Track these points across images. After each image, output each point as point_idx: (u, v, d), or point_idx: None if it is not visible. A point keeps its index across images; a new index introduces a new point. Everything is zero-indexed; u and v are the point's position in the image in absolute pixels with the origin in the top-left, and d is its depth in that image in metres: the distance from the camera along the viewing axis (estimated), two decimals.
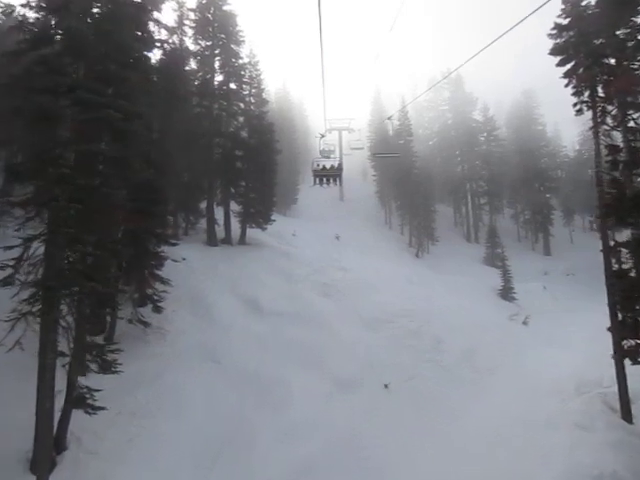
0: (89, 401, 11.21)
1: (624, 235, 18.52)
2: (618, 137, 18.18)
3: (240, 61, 33.17)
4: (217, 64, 32.68)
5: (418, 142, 52.58)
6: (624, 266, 17.10)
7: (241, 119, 33.47)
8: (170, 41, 29.15)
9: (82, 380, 11.69)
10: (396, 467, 14.49)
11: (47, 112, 10.61)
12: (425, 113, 64.12)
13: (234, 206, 32.28)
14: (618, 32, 17.94)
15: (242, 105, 33.33)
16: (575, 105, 19.27)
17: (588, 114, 20.08)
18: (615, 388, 17.15)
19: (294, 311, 22.38)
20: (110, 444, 12.30)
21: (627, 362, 16.36)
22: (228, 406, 15.40)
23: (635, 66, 17.22)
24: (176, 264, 24.35)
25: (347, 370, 18.56)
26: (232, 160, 31.85)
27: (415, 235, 48.16)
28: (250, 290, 23.59)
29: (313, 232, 40.30)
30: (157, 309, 18.34)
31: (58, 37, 11.67)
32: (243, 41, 33.21)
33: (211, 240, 30.04)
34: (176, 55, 29.84)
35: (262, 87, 34.78)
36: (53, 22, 11.72)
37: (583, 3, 19.46)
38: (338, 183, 16.13)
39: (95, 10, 12.35)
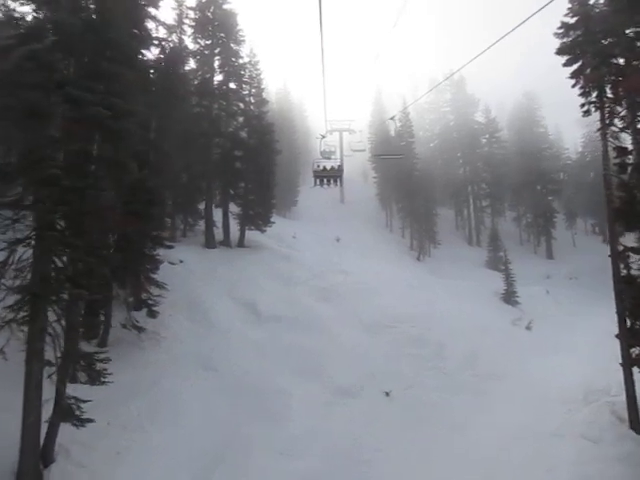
0: (77, 412, 10.68)
1: (628, 239, 18.09)
2: (627, 139, 17.78)
3: (240, 60, 32.74)
4: (217, 63, 32.25)
5: (419, 144, 52.10)
6: (633, 272, 16.64)
7: (241, 119, 33.03)
8: (169, 39, 28.68)
9: (71, 390, 11.16)
10: (398, 478, 13.99)
11: (35, 109, 10.12)
12: (426, 115, 63.69)
13: (233, 208, 31.82)
14: (628, 31, 17.51)
15: (242, 105, 32.89)
16: (583, 106, 18.80)
17: (595, 116, 19.73)
18: (623, 397, 16.66)
19: (293, 316, 21.88)
20: (100, 456, 11.78)
21: (635, 370, 15.91)
22: (224, 417, 14.87)
23: None
24: (173, 267, 23.90)
25: (347, 377, 18.05)
26: (231, 161, 31.39)
27: (416, 238, 47.67)
28: (248, 294, 23.10)
29: (313, 234, 39.82)
30: (152, 314, 17.85)
31: (49, 32, 11.17)
32: (243, 40, 32.79)
33: (209, 242, 29.55)
34: (175, 54, 29.38)
35: (262, 87, 34.34)
36: (43, 16, 11.26)
37: (591, 1, 19.01)
38: (338, 184, 15.98)
39: (87, 4, 11.90)
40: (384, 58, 70.60)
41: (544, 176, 54.67)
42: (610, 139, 17.88)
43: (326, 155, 16.00)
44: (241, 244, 31.01)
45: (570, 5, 19.16)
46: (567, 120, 62.18)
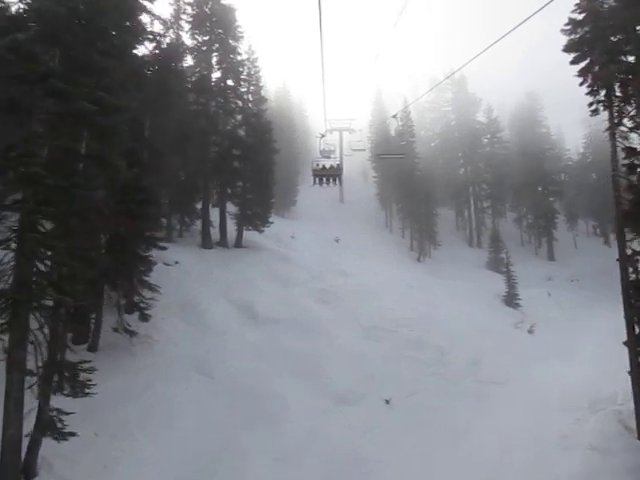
0: (59, 425, 10.05)
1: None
2: (636, 139, 17.23)
3: (238, 57, 32.18)
4: (214, 60, 31.68)
5: (420, 143, 51.55)
6: None
7: (239, 117, 32.44)
8: (165, 35, 28.06)
9: (54, 400, 10.53)
10: None
11: (16, 102, 9.51)
12: (427, 114, 63.15)
13: (231, 207, 31.22)
14: (638, 27, 16.97)
15: (240, 103, 32.29)
16: (591, 105, 18.23)
17: (599, 116, 19.20)
18: (631, 405, 16.13)
19: (291, 318, 21.29)
20: (85, 470, 11.17)
21: None
22: (219, 423, 14.28)
23: None
24: (168, 268, 23.29)
25: (346, 383, 17.46)
26: (229, 159, 30.81)
27: (416, 239, 47.12)
28: (246, 296, 22.51)
29: (312, 234, 39.24)
30: (144, 317, 17.23)
31: (32, 22, 10.57)
32: (242, 37, 32.22)
33: (206, 243, 28.95)
34: (172, 50, 28.77)
35: (261, 85, 33.71)
36: (27, 5, 10.66)
37: None
38: (338, 183, 15.77)
39: None
40: (384, 58, 70.13)
41: (545, 177, 54.18)
42: (619, 139, 17.32)
43: (325, 154, 15.71)
44: (238, 244, 30.41)
45: (578, 1, 18.58)
46: (568, 120, 61.90)
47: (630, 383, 15.98)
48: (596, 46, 18.16)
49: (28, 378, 9.75)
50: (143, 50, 22.06)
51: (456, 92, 57.96)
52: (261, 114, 32.79)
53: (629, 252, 16.67)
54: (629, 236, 17.09)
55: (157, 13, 21.47)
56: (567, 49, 19.02)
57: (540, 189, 54.13)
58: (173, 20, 31.02)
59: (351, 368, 18.37)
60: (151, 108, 22.54)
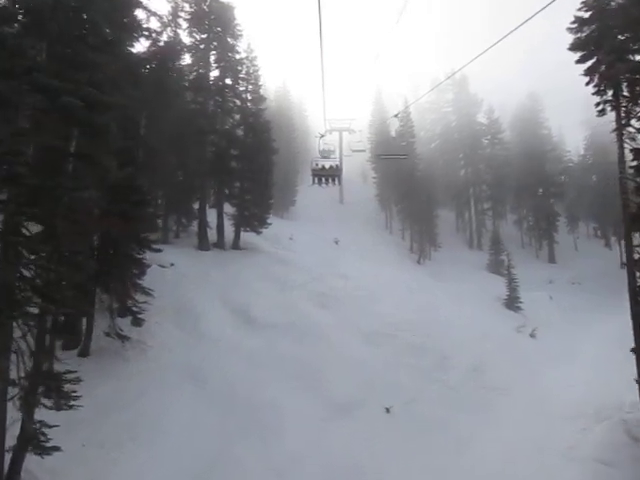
0: (42, 439, 9.52)
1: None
2: None
3: (237, 56, 31.63)
4: (213, 58, 31.11)
5: (419, 144, 51.05)
6: None
7: (237, 116, 31.92)
8: (163, 32, 27.61)
9: (38, 411, 10.01)
10: None
11: (3, 98, 9.00)
12: (427, 115, 62.65)
13: (228, 208, 30.70)
14: None
15: (238, 102, 31.78)
16: (597, 105, 17.78)
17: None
18: (638, 414, 15.71)
19: (289, 324, 20.76)
20: None
21: None
22: (213, 434, 13.76)
23: None
24: (163, 270, 22.83)
25: (345, 391, 16.92)
26: (227, 159, 30.29)
27: (417, 240, 46.64)
28: (242, 299, 21.99)
29: (311, 236, 38.71)
30: (137, 322, 16.71)
31: (18, 14, 10.06)
32: (241, 35, 31.70)
33: (202, 244, 28.41)
34: (169, 47, 28.30)
35: (260, 84, 33.16)
36: None
37: None
38: (337, 183, 15.54)
39: None
40: (384, 58, 69.63)
41: (546, 179, 53.75)
42: (627, 141, 16.88)
43: (325, 154, 15.46)
44: (236, 246, 29.89)
45: None
46: (569, 121, 61.49)
47: (638, 391, 15.54)
48: (603, 45, 17.71)
49: (10, 389, 9.23)
50: (139, 47, 21.65)
51: (457, 92, 57.46)
52: (260, 113, 32.28)
53: (637, 256, 16.17)
54: (637, 240, 16.62)
55: (153, 9, 21.03)
56: (573, 48, 18.57)
57: (541, 191, 53.70)
58: (171, 18, 30.54)
59: (350, 375, 17.86)
60: (147, 107, 22.07)
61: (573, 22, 18.54)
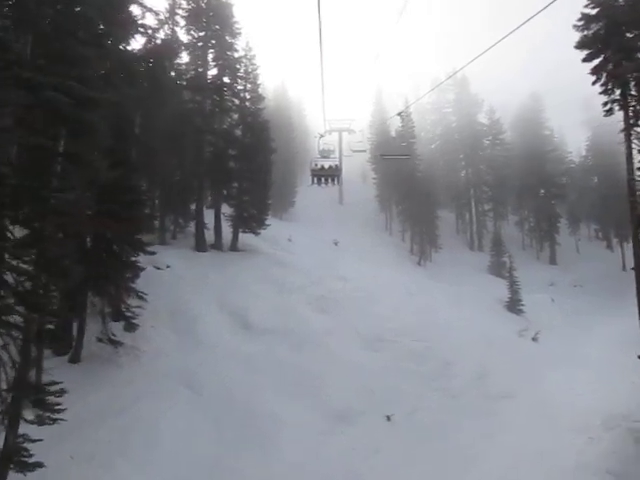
0: (24, 454, 8.98)
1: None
2: None
3: (235, 54, 31.11)
4: (210, 57, 30.59)
5: (420, 145, 50.49)
6: None
7: (235, 116, 31.40)
8: (159, 30, 27.10)
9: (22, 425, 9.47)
10: None
11: None
12: (427, 115, 62.17)
13: (226, 209, 30.17)
14: None
15: (236, 101, 31.26)
16: (605, 104, 17.35)
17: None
18: None
19: (287, 328, 20.22)
20: None
21: None
22: (207, 447, 13.21)
23: None
24: (159, 272, 22.32)
25: (345, 399, 16.39)
26: (224, 159, 29.76)
27: (417, 242, 46.14)
28: (240, 303, 21.46)
29: (310, 237, 38.19)
30: (130, 327, 16.16)
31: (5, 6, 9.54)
32: (239, 33, 31.16)
33: (200, 246, 27.88)
34: (166, 45, 27.80)
35: (258, 83, 32.64)
36: None
37: None
38: (336, 183, 15.36)
39: None
40: (385, 58, 69.35)
41: (548, 180, 53.27)
42: (635, 141, 16.45)
43: (325, 154, 15.16)
44: (234, 247, 29.36)
45: None
46: (569, 122, 61.01)
47: None
48: (610, 42, 17.26)
49: None
50: (135, 45, 21.17)
51: (458, 93, 56.96)
52: (258, 113, 31.77)
53: None
54: None
55: (149, 5, 20.52)
56: (579, 46, 18.11)
57: (542, 192, 53.25)
58: (168, 15, 30.04)
59: (350, 381, 17.33)
60: (143, 105, 21.57)
61: (579, 19, 18.09)
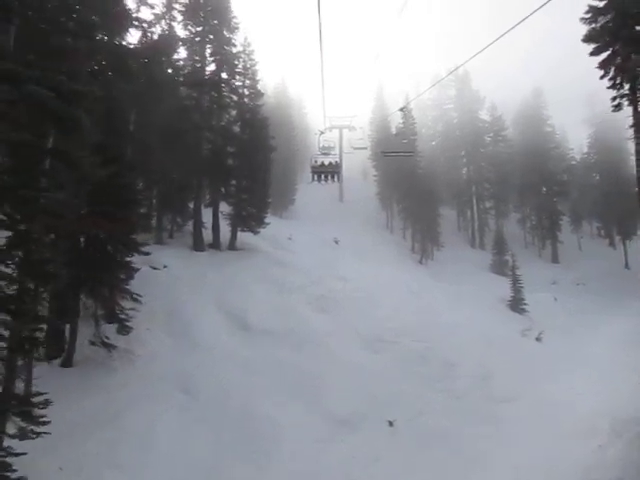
0: (6, 468, 8.52)
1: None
2: None
3: (234, 49, 30.51)
4: (208, 52, 30.01)
5: (421, 142, 49.94)
6: None
7: (233, 112, 30.84)
8: (156, 24, 26.56)
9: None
10: None
11: None
12: (428, 112, 61.54)
13: (224, 207, 29.67)
14: None
15: (235, 97, 30.67)
16: (614, 99, 16.84)
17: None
18: None
19: (287, 329, 19.75)
20: None
21: None
22: (203, 454, 12.76)
23: None
24: (156, 272, 21.85)
25: (346, 403, 15.91)
26: (223, 157, 29.22)
27: (418, 240, 45.63)
28: (238, 304, 20.97)
29: (311, 235, 37.66)
30: (124, 329, 15.69)
31: None
32: (237, 28, 30.54)
33: (197, 245, 27.38)
34: (163, 40, 27.26)
35: (257, 79, 32.02)
36: None
37: None
38: (337, 180, 15.31)
39: None
40: (385, 58, 68.89)
41: (550, 177, 52.74)
42: None
43: (325, 151, 14.96)
44: (232, 247, 28.87)
45: None
46: (570, 119, 60.44)
47: None
48: (619, 35, 16.73)
49: None
50: (130, 39, 20.65)
51: (460, 89, 56.32)
52: (257, 109, 31.21)
53: None
54: None
55: None
56: (587, 39, 17.58)
57: (544, 189, 52.72)
58: (165, 10, 29.46)
59: (351, 385, 16.86)
60: (139, 101, 21.08)
61: (587, 11, 17.56)
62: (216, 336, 18.42)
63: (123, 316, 15.53)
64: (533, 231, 53.26)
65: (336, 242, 38.76)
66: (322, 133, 15.67)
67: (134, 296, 15.90)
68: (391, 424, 15.42)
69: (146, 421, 13.40)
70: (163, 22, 29.18)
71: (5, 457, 8.55)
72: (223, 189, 29.62)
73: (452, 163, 55.91)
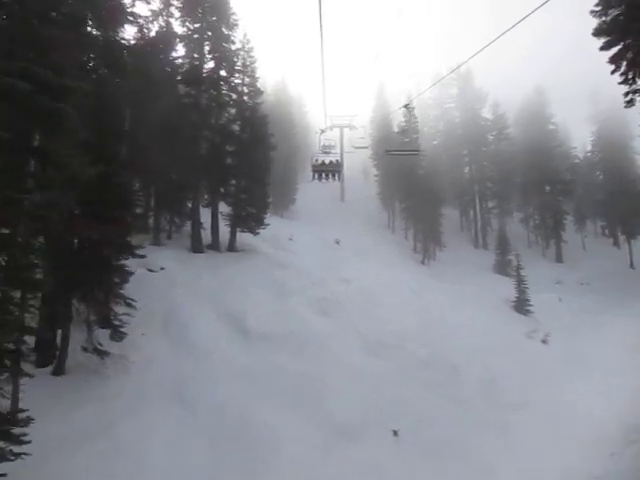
0: None
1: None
2: None
3: (232, 46, 29.95)
4: (207, 49, 29.44)
5: (422, 141, 49.25)
6: None
7: (232, 111, 30.27)
8: (153, 21, 26.02)
9: None
10: None
11: None
12: (430, 111, 60.87)
13: (223, 207, 29.10)
14: None
15: (234, 95, 30.11)
16: (626, 95, 16.20)
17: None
18: None
19: (287, 334, 19.15)
20: None
21: None
22: (200, 464, 12.22)
23: None
24: (152, 275, 21.34)
25: (348, 411, 15.31)
26: (221, 156, 28.69)
27: (420, 240, 45.05)
28: (237, 307, 20.40)
29: (311, 236, 37.11)
30: (117, 335, 15.12)
31: None
32: (236, 25, 29.99)
33: (196, 246, 26.83)
34: (160, 37, 26.73)
35: (256, 76, 31.43)
36: None
37: None
38: (337, 179, 15.28)
39: None
40: (385, 58, 68.38)
41: (553, 175, 52.09)
42: None
43: (326, 150, 14.67)
44: (232, 248, 28.30)
45: None
46: (572, 117, 59.77)
47: None
48: (631, 29, 16.08)
49: None
50: (127, 36, 20.06)
51: (462, 87, 55.71)
52: (257, 107, 30.64)
53: None
54: None
55: None
56: (597, 33, 16.87)
57: (548, 188, 52.08)
58: (162, 6, 28.90)
59: (353, 392, 16.28)
60: (134, 99, 20.55)
61: (597, 4, 16.88)
62: (214, 341, 17.86)
63: (116, 322, 14.97)
64: (536, 230, 52.63)
65: (337, 242, 38.21)
66: (323, 132, 15.52)
67: (127, 301, 15.32)
68: (395, 433, 14.82)
69: (141, 430, 12.86)
70: (160, 18, 28.66)
71: None
72: (222, 189, 29.07)
73: (454, 162, 55.29)
